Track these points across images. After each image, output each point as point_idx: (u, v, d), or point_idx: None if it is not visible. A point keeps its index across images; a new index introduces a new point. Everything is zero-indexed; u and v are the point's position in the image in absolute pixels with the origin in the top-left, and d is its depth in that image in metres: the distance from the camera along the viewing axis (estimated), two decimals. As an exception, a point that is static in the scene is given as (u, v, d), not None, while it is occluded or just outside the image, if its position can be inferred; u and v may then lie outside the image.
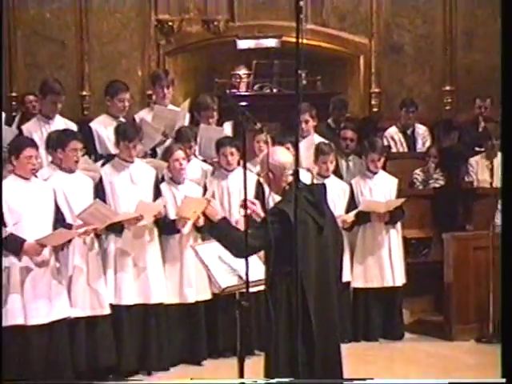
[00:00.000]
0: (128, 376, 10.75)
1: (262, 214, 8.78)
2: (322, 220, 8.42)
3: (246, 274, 8.28)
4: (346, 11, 15.52)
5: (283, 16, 14.25)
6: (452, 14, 15.33)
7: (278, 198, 8.40)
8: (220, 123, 12.66)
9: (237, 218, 10.84)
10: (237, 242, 8.07)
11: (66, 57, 15.31)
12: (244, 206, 8.31)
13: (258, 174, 9.90)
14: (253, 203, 8.93)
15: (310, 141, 12.27)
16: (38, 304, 10.13)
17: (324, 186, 9.14)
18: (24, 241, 9.97)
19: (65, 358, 10.39)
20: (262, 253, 8.40)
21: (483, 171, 13.24)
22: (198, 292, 11.00)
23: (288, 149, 10.25)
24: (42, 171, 10.67)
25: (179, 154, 11.19)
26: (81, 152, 10.80)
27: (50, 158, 10.86)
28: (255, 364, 8.42)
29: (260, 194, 10.86)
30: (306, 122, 12.35)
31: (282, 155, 8.29)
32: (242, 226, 10.11)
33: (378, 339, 12.03)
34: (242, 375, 8.52)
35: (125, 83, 12.77)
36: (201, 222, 10.98)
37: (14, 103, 13.85)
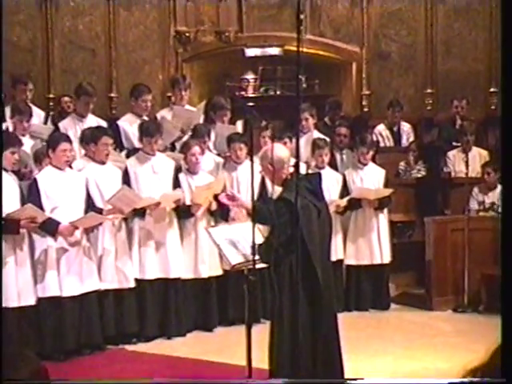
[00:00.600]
0: (150, 340, 10.82)
1: (248, 206, 8.91)
2: (319, 204, 8.51)
3: (253, 253, 8.38)
4: (340, 23, 15.50)
5: (285, 28, 14.24)
6: (432, 26, 15.29)
7: (278, 188, 8.48)
8: (232, 122, 12.67)
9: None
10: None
11: (96, 63, 15.30)
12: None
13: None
14: (233, 198, 9.09)
15: (310, 137, 12.31)
16: (72, 279, 10.20)
17: (319, 174, 9.24)
18: (59, 223, 10.05)
19: (95, 325, 10.46)
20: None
21: (459, 163, 13.25)
22: (210, 268, 11.03)
23: (285, 143, 10.38)
24: (77, 163, 10.73)
25: (196, 149, 11.23)
26: (110, 146, 10.89)
27: (83, 152, 10.90)
28: (261, 331, 8.48)
29: (264, 184, 10.92)
30: (306, 119, 12.37)
31: (280, 151, 8.38)
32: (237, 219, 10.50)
33: (368, 309, 12.03)
34: (249, 341, 8.58)
35: (147, 86, 12.82)
36: (214, 206, 11.09)
37: (51, 104, 13.82)
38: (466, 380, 0.90)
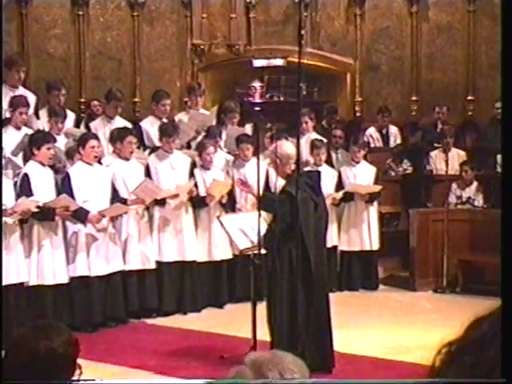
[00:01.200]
0: (168, 315, 10.82)
1: (256, 193, 9.00)
2: (317, 198, 8.55)
3: (258, 239, 8.40)
4: (336, 39, 15.48)
5: (288, 42, 14.22)
6: (417, 41, 15.27)
7: (281, 182, 8.53)
8: (241, 124, 12.69)
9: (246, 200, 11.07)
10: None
11: (122, 72, 15.30)
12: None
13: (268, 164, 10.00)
14: (246, 184, 9.21)
15: (309, 138, 12.31)
16: (99, 260, 10.25)
17: (319, 172, 9.32)
18: (88, 212, 10.10)
19: (119, 302, 10.50)
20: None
21: (440, 162, 13.23)
22: (222, 252, 11.06)
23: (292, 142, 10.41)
24: (105, 159, 10.78)
25: (210, 148, 11.27)
26: (134, 145, 10.93)
27: (111, 149, 10.92)
28: (265, 308, 8.50)
29: (268, 180, 10.96)
30: (306, 122, 12.37)
31: (288, 148, 8.45)
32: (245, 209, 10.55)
33: (358, 289, 12.02)
34: (254, 316, 8.60)
35: (167, 92, 12.85)
36: (224, 200, 11.14)
37: (82, 107, 13.82)
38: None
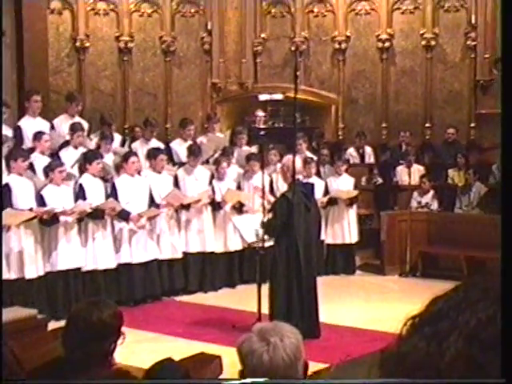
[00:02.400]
0: (192, 294, 10.80)
1: (272, 199, 9.03)
2: (309, 204, 8.58)
3: (263, 234, 8.43)
4: (324, 78, 15.47)
5: (286, 81, 14.20)
6: (387, 81, 15.26)
7: (283, 187, 8.66)
8: (249, 145, 12.71)
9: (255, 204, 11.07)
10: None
11: (157, 104, 15.32)
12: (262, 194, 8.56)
13: (270, 175, 10.07)
14: (262, 190, 9.28)
15: (302, 156, 12.30)
16: (139, 250, 10.27)
17: (312, 184, 9.40)
18: (130, 213, 10.12)
19: (155, 283, 10.50)
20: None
21: (404, 175, 13.25)
22: (234, 245, 11.05)
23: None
24: (143, 172, 10.75)
25: (224, 164, 11.29)
26: (165, 161, 10.95)
27: (148, 164, 10.92)
28: (266, 288, 8.51)
29: (272, 187, 10.98)
30: (300, 144, 12.29)
31: (296, 162, 8.55)
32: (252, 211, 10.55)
33: (340, 274, 11.99)
34: (259, 295, 8.60)
35: (191, 120, 12.88)
36: (237, 205, 11.17)
37: (126, 131, 13.83)
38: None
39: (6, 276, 9.04)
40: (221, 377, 3.67)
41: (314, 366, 4.76)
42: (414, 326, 1.02)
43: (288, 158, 8.82)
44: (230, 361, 3.46)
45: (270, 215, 8.85)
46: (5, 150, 9.85)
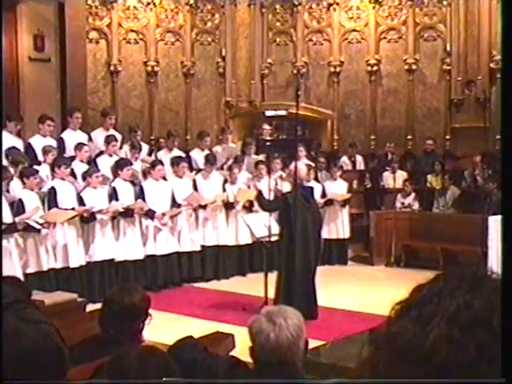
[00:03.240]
0: (208, 281, 10.76)
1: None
2: (307, 204, 8.56)
3: (269, 230, 8.42)
4: (321, 97, 15.45)
5: (289, 99, 14.20)
6: (375, 99, 15.24)
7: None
8: (257, 153, 12.71)
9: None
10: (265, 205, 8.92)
11: (178, 119, 15.32)
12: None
13: (275, 180, 10.06)
14: (277, 190, 9.28)
15: (303, 163, 12.30)
16: (162, 244, 10.28)
17: (312, 187, 9.37)
18: (155, 212, 10.12)
19: (175, 271, 10.51)
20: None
21: (390, 180, 13.18)
22: (245, 239, 11.02)
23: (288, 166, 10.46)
24: (168, 177, 10.75)
25: (236, 170, 11.31)
26: (186, 168, 10.95)
27: (171, 170, 10.92)
28: (273, 276, 8.52)
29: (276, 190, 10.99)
30: (301, 152, 12.34)
31: (302, 167, 8.56)
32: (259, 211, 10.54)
33: (335, 264, 11.96)
34: (266, 282, 8.59)
35: (207, 132, 12.84)
36: (247, 204, 11.14)
37: (152, 142, 13.82)
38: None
39: (52, 265, 9.11)
40: (232, 352, 3.66)
41: (313, 343, 4.75)
42: (402, 309, 1.02)
43: (296, 164, 8.84)
44: (242, 338, 3.45)
45: (270, 200, 9.13)
46: (50, 159, 9.90)
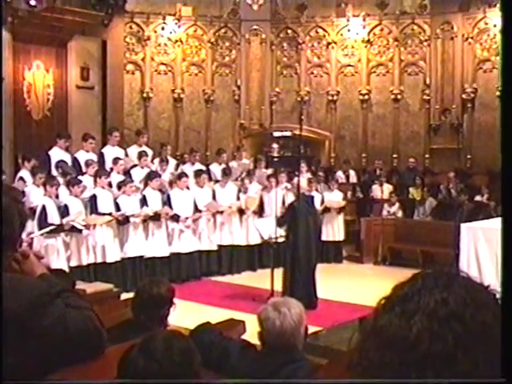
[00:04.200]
0: (223, 275, 10.70)
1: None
2: (310, 210, 8.54)
3: (276, 232, 8.41)
4: (321, 121, 15.43)
5: (294, 122, 14.17)
6: (366, 123, 15.24)
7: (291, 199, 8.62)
8: (267, 168, 12.69)
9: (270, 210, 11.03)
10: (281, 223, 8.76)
11: (200, 138, 15.31)
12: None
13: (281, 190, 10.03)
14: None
15: (305, 177, 12.27)
16: (185, 243, 10.25)
17: (313, 197, 9.33)
18: (179, 216, 10.10)
19: (196, 266, 10.47)
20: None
21: (378, 191, 13.14)
22: (255, 239, 10.96)
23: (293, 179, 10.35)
24: (191, 186, 10.72)
25: (247, 181, 11.30)
26: (206, 179, 10.94)
27: (194, 181, 10.91)
28: (279, 272, 8.49)
29: (283, 200, 10.92)
30: (303, 168, 12.32)
31: (303, 180, 8.59)
32: (268, 215, 10.40)
33: (332, 262, 11.88)
34: (272, 277, 8.56)
35: (225, 150, 12.86)
36: (256, 209, 11.12)
37: (178, 157, 13.81)
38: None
39: (92, 260, 9.13)
40: (244, 336, 3.65)
41: (312, 329, 4.73)
42: (386, 305, 1.01)
43: (299, 178, 8.88)
44: (252, 324, 3.44)
45: (282, 215, 8.97)
46: (92, 171, 9.92)
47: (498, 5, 13.57)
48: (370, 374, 0.97)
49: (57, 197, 9.02)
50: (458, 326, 0.95)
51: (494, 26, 13.82)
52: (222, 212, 10.82)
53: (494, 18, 13.81)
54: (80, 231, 8.97)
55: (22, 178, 9.70)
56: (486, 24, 14.05)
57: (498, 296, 1.02)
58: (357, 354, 1.00)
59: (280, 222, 8.79)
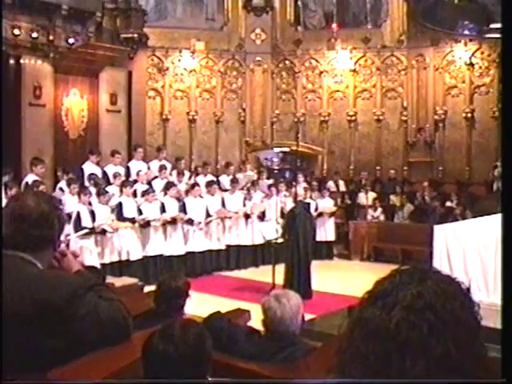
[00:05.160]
0: (230, 270, 10.60)
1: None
2: (307, 215, 8.51)
3: (276, 233, 8.36)
4: (314, 138, 15.40)
5: (291, 139, 14.20)
6: (353, 140, 15.24)
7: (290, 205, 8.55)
8: (268, 178, 12.65)
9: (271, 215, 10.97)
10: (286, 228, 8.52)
11: (212, 153, 15.21)
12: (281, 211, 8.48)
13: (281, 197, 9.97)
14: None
15: (301, 186, 12.21)
16: (198, 243, 10.19)
17: (309, 203, 9.28)
18: (193, 220, 10.03)
19: (207, 262, 10.39)
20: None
21: (363, 198, 13.11)
22: (258, 240, 10.86)
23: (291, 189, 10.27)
24: (203, 195, 10.62)
25: (252, 191, 11.26)
26: (216, 188, 10.89)
27: (205, 191, 10.85)
28: (280, 268, 8.44)
29: (282, 206, 10.88)
30: (299, 178, 12.26)
31: (299, 190, 8.48)
32: (270, 219, 10.28)
33: (324, 259, 11.79)
34: (273, 272, 8.53)
35: (232, 163, 12.79)
36: (259, 214, 11.07)
37: (192, 170, 13.72)
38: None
39: (118, 258, 9.11)
40: (249, 323, 3.64)
41: (307, 317, 4.71)
42: (370, 299, 1.02)
43: (297, 187, 8.83)
44: (256, 313, 3.43)
45: (284, 220, 8.92)
46: (118, 182, 9.91)
47: (463, 41, 13.74)
48: (357, 360, 0.98)
49: (89, 204, 9.03)
50: (431, 316, 0.95)
51: (460, 58, 14.04)
52: (230, 217, 10.78)
53: (460, 51, 14.00)
54: (105, 233, 8.97)
55: (61, 189, 9.72)
56: (453, 56, 14.21)
57: (463, 286, 1.02)
58: (345, 342, 1.00)
59: (284, 226, 8.77)
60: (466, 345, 0.95)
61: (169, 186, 10.23)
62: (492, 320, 1.08)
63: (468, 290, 1.00)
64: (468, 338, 0.96)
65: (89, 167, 10.41)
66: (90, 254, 8.71)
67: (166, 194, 10.16)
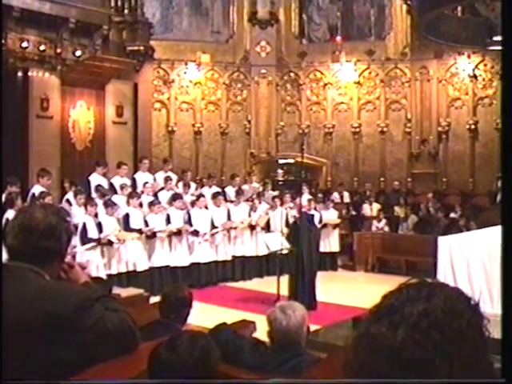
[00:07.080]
0: (236, 281, 10.56)
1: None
2: (311, 226, 8.49)
3: (281, 244, 8.34)
4: (319, 150, 15.46)
5: (296, 151, 14.22)
6: (357, 152, 15.27)
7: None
8: (273, 190, 12.66)
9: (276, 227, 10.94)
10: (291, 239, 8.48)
11: (217, 165, 15.26)
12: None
13: (286, 209, 9.95)
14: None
15: (306, 197, 12.18)
16: (203, 254, 10.15)
17: (313, 215, 9.24)
18: (198, 232, 9.98)
19: (213, 273, 10.35)
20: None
21: (367, 210, 13.11)
22: (262, 251, 10.83)
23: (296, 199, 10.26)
24: (209, 206, 10.59)
25: (256, 202, 11.24)
26: (222, 200, 10.87)
27: (211, 202, 10.82)
28: (284, 279, 8.41)
29: (286, 218, 10.86)
30: (304, 190, 12.26)
31: (305, 199, 8.49)
32: (275, 231, 10.25)
33: (328, 270, 11.76)
34: (278, 283, 8.49)
35: (237, 175, 12.78)
36: (264, 225, 11.05)
37: (197, 181, 13.76)
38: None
39: (124, 269, 9.10)
40: (255, 334, 3.62)
41: (313, 328, 4.69)
42: (377, 314, 1.01)
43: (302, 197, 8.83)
44: (261, 324, 3.42)
45: (289, 231, 8.88)
46: (125, 193, 9.93)
47: (466, 53, 13.78)
48: (362, 374, 0.97)
49: (96, 215, 9.04)
50: (436, 335, 0.95)
51: (463, 70, 14.07)
52: (235, 228, 10.77)
53: (463, 63, 14.03)
54: (111, 244, 8.97)
55: (67, 200, 9.73)
56: (457, 69, 14.25)
57: (472, 301, 1.01)
58: (351, 356, 1.00)
59: (288, 238, 8.74)
60: (471, 363, 0.94)
61: (175, 197, 10.23)
62: (496, 331, 1.07)
63: (477, 305, 0.99)
64: (474, 356, 0.95)
65: (95, 179, 10.43)
66: (96, 265, 8.71)
67: (171, 205, 10.16)
